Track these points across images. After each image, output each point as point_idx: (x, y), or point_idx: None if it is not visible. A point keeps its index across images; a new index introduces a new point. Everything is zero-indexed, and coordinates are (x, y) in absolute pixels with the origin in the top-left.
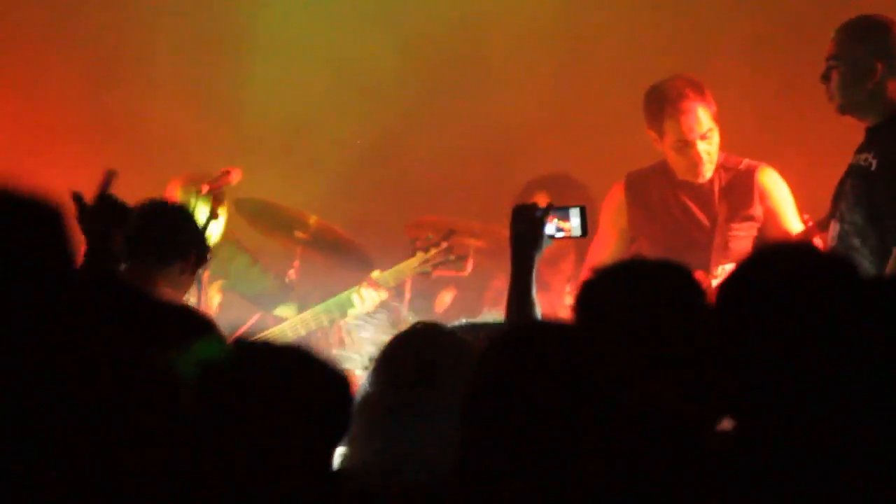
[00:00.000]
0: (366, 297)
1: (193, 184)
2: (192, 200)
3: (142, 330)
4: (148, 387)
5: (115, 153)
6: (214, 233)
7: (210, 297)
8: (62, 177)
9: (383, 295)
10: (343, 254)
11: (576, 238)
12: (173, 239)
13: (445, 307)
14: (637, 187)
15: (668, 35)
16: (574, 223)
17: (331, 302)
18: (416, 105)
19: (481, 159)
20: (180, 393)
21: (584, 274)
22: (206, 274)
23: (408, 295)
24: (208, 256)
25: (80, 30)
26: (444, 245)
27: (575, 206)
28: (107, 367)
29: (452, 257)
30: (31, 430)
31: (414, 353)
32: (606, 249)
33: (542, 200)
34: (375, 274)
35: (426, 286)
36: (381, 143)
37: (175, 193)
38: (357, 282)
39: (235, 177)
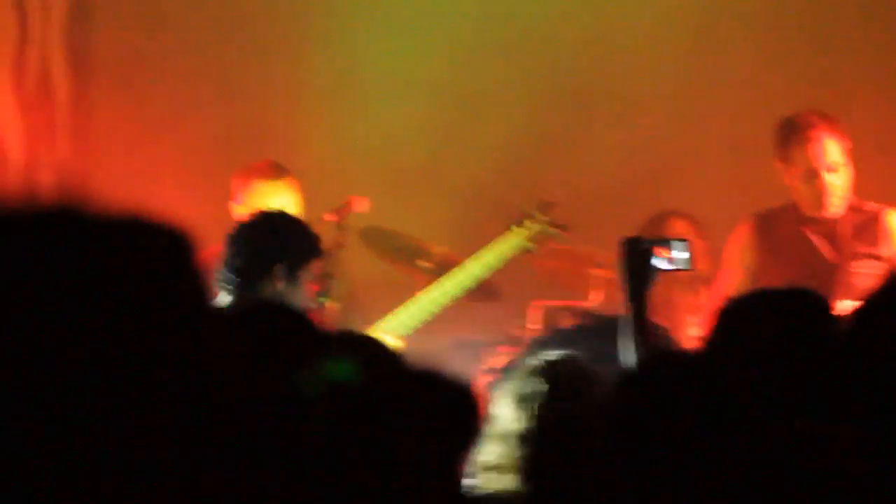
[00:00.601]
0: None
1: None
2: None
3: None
4: (280, 407)
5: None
6: (337, 260)
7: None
8: (189, 205)
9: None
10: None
11: (683, 271)
12: (278, 247)
13: None
14: (764, 226)
15: (805, 66)
16: (681, 256)
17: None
18: (544, 135)
19: (609, 189)
20: (310, 413)
21: (717, 304)
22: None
23: (532, 325)
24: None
25: (224, 61)
26: (544, 216)
27: (681, 240)
28: (247, 389)
29: (552, 228)
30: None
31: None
32: (731, 285)
33: (678, 228)
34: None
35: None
36: (510, 173)
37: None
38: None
39: (360, 206)
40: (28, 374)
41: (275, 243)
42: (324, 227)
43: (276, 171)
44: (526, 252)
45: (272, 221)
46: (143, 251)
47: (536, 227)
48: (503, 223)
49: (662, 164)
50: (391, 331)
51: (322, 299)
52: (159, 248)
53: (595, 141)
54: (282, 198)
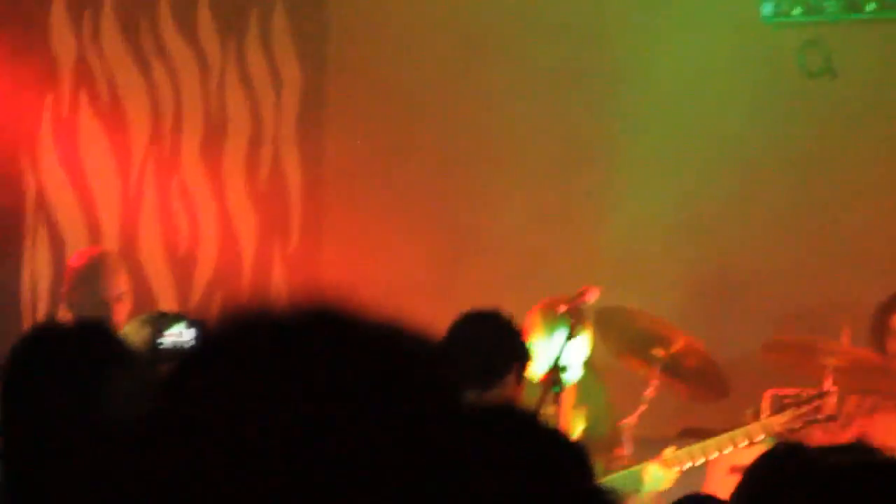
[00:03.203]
0: (653, 477)
1: (551, 307)
2: (551, 323)
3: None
4: None
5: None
6: (575, 354)
7: (574, 424)
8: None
9: (673, 475)
10: (700, 381)
11: None
12: (497, 351)
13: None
14: None
15: None
16: None
17: (616, 477)
18: (776, 224)
19: (836, 269)
20: None
21: None
22: (564, 395)
23: (764, 414)
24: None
25: (452, 164)
26: (816, 404)
27: None
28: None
29: (822, 416)
30: None
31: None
32: None
33: None
34: (668, 452)
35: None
36: (735, 260)
37: (535, 320)
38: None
39: (592, 296)
40: (291, 484)
41: (510, 344)
42: (559, 317)
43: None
44: (790, 432)
45: (499, 322)
46: (405, 360)
47: (808, 415)
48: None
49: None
50: (676, 459)
51: (555, 389)
52: (418, 357)
53: (819, 219)
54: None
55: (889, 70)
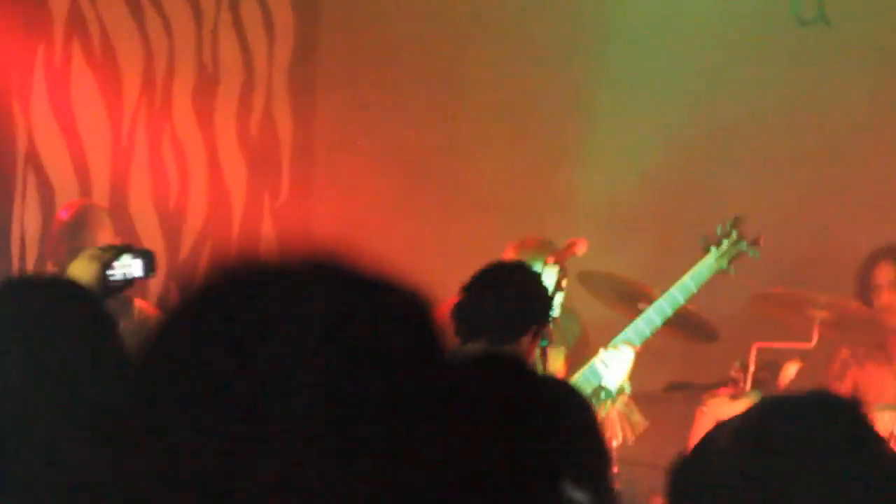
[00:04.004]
0: (610, 364)
1: (535, 251)
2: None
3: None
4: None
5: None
6: (558, 305)
7: (555, 369)
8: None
9: (630, 354)
10: (689, 328)
11: None
12: (526, 308)
13: (790, 380)
14: None
15: None
16: None
17: (577, 378)
18: (763, 172)
19: (824, 226)
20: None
21: None
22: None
23: (752, 367)
24: (551, 326)
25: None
26: (735, 234)
27: None
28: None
29: (745, 243)
30: None
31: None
32: None
33: (889, 272)
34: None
35: (770, 357)
36: (722, 212)
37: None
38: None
39: (581, 248)
40: (274, 434)
41: (521, 299)
42: (545, 269)
43: (546, 247)
44: (723, 273)
45: (526, 276)
46: (395, 314)
47: (731, 247)
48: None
49: (876, 196)
50: (626, 341)
51: (543, 343)
52: (409, 312)
53: (803, 176)
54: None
55: (882, 19)
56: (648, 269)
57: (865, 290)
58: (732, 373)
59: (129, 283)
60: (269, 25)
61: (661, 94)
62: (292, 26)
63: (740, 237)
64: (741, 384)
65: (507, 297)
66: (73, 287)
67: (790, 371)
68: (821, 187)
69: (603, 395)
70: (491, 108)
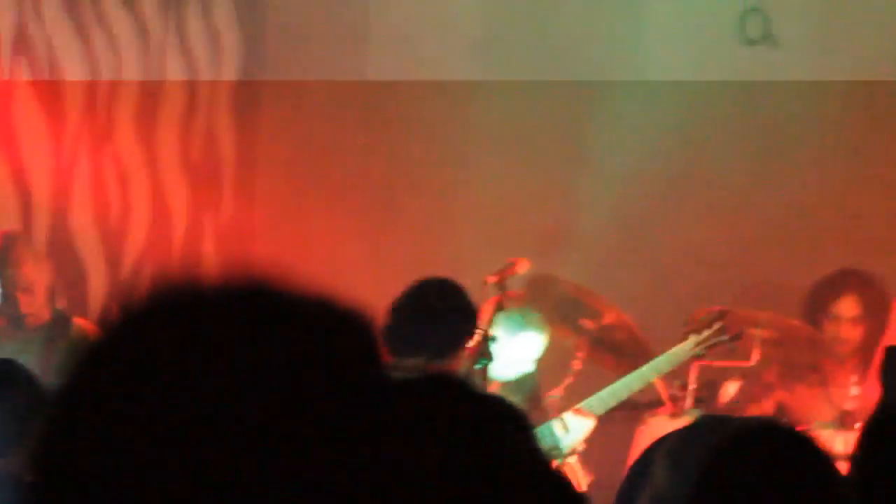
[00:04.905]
0: (569, 428)
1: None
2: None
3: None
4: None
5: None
6: (499, 325)
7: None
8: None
9: (590, 423)
10: (627, 355)
11: None
12: (455, 325)
13: (730, 398)
14: None
15: None
16: None
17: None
18: (689, 187)
19: (765, 245)
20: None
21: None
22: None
23: (692, 386)
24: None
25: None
26: (717, 325)
27: None
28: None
29: (726, 337)
30: None
31: (703, 446)
32: None
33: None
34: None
35: (710, 375)
36: (666, 234)
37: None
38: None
39: (522, 267)
40: (216, 459)
41: (458, 315)
42: (486, 288)
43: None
44: (695, 358)
45: (448, 291)
46: (333, 334)
47: (711, 337)
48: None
49: (830, 216)
50: (589, 408)
51: (483, 362)
52: (347, 331)
53: (753, 195)
54: None
55: (829, 38)
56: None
57: (818, 314)
58: (672, 391)
59: None
60: (214, 45)
61: (611, 118)
62: (237, 46)
63: (723, 331)
64: (681, 403)
65: (436, 314)
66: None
67: (730, 390)
68: (765, 211)
69: (553, 453)
70: (434, 129)
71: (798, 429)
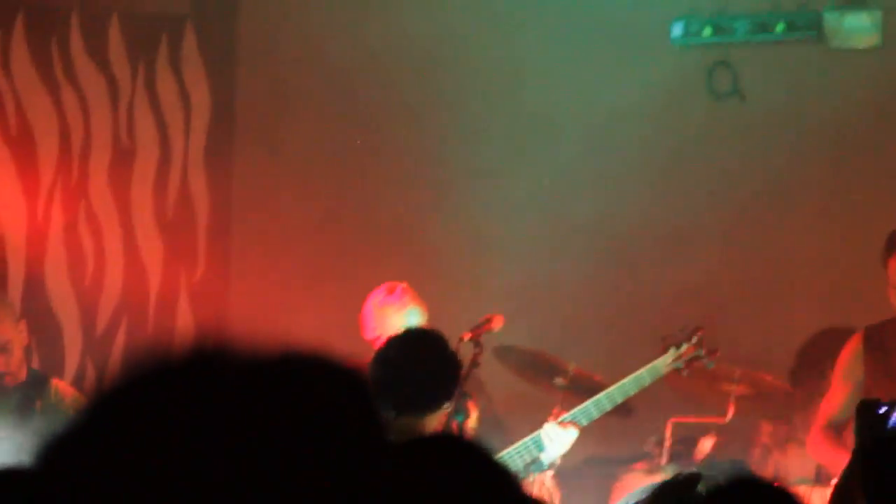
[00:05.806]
0: (552, 438)
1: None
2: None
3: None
4: None
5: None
6: (473, 378)
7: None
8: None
9: (572, 435)
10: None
11: None
12: (436, 381)
13: (705, 454)
14: (876, 337)
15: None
16: None
17: (519, 445)
18: (664, 238)
19: (741, 299)
20: None
21: (823, 420)
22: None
23: (667, 442)
24: (468, 400)
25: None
26: (696, 339)
27: None
28: None
29: (703, 352)
30: None
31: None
32: (837, 401)
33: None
34: (566, 416)
35: (686, 431)
36: (637, 281)
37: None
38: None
39: (497, 323)
40: None
41: (443, 369)
42: (461, 345)
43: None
44: (675, 371)
45: (435, 347)
46: (324, 395)
47: (690, 350)
48: (653, 344)
49: (814, 271)
50: (573, 420)
51: (458, 418)
52: (340, 391)
53: (728, 244)
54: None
55: (797, 92)
56: (559, 344)
57: (810, 371)
58: (648, 447)
59: None
60: (185, 101)
61: (584, 172)
62: (208, 102)
63: (700, 344)
64: (657, 459)
65: (418, 369)
66: None
67: (705, 446)
68: (736, 261)
69: (533, 467)
70: (413, 178)
71: (775, 484)
